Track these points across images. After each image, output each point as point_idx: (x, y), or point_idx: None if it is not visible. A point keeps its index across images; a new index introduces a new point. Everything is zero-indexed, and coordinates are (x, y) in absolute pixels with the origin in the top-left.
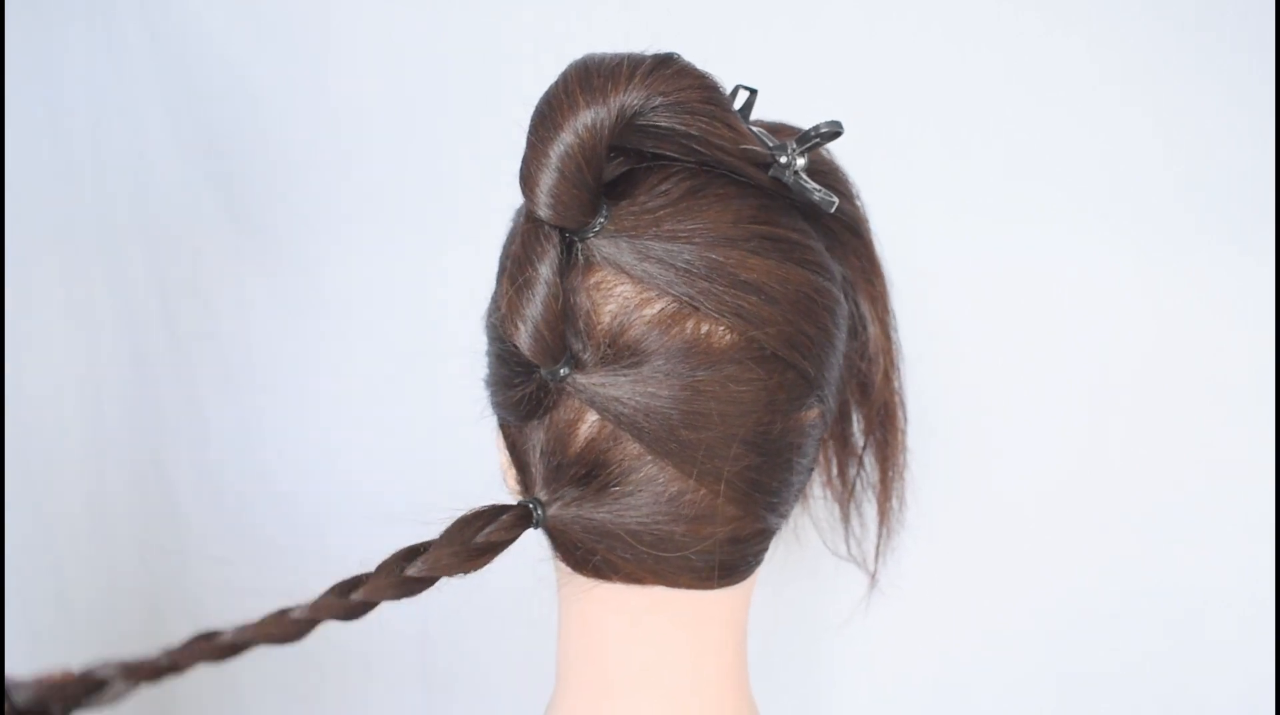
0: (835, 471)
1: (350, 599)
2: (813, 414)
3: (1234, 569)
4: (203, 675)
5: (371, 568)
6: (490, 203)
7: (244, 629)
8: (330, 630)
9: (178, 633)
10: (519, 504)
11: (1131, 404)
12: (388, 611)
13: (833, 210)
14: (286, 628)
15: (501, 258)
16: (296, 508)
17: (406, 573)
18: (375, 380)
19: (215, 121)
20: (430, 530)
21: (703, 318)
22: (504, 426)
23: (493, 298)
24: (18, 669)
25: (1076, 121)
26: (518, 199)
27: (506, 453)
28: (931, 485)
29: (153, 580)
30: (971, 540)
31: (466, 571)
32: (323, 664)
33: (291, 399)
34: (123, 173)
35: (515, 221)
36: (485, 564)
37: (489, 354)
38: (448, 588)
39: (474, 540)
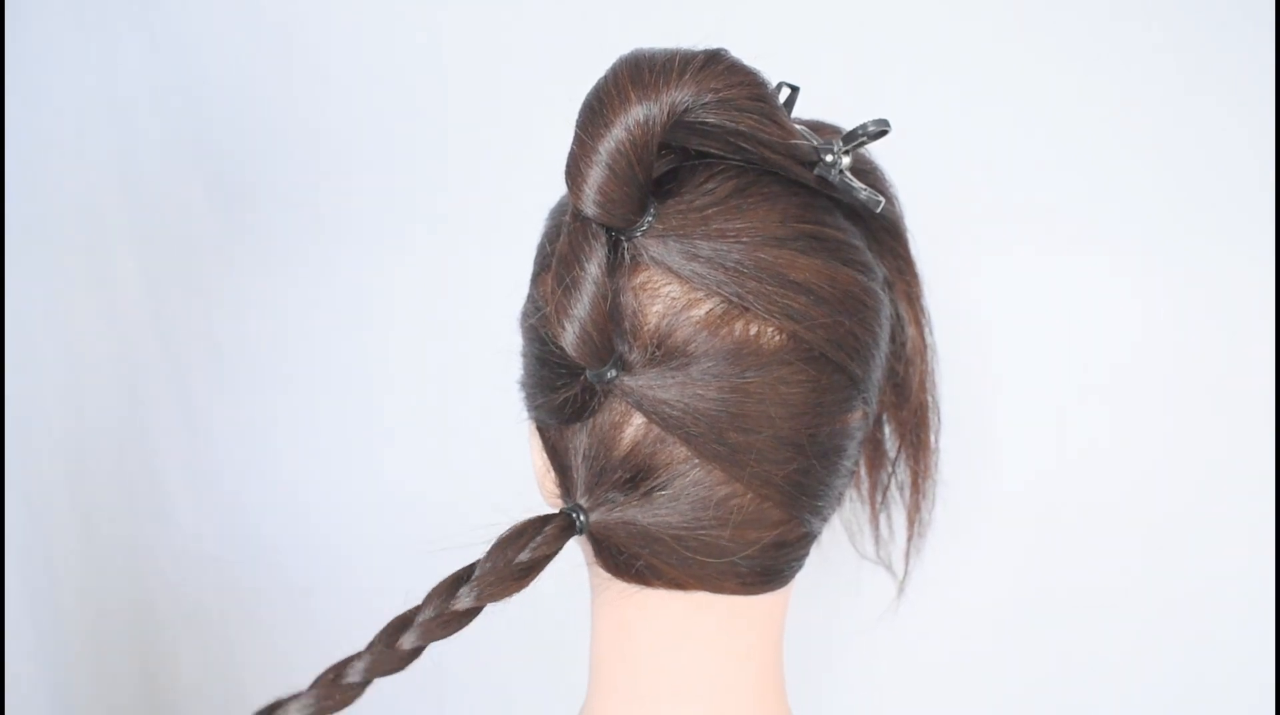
0: (864, 473)
1: (401, 648)
2: (857, 416)
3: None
4: (203, 678)
5: (373, 570)
6: (495, 202)
7: (292, 702)
8: (334, 634)
9: (171, 634)
10: (561, 513)
11: (1143, 404)
12: (395, 613)
13: (879, 210)
14: (336, 694)
15: (540, 257)
16: (292, 507)
17: (454, 607)
18: (372, 380)
19: (208, 117)
20: (434, 534)
21: (752, 318)
22: (542, 430)
23: (529, 298)
24: (17, 669)
25: (1080, 121)
26: (524, 198)
27: (544, 456)
28: (951, 488)
29: (145, 582)
30: (984, 541)
31: (513, 594)
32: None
33: (286, 398)
34: (109, 169)
35: (553, 220)
36: (530, 582)
37: (526, 355)
38: None
39: (518, 559)
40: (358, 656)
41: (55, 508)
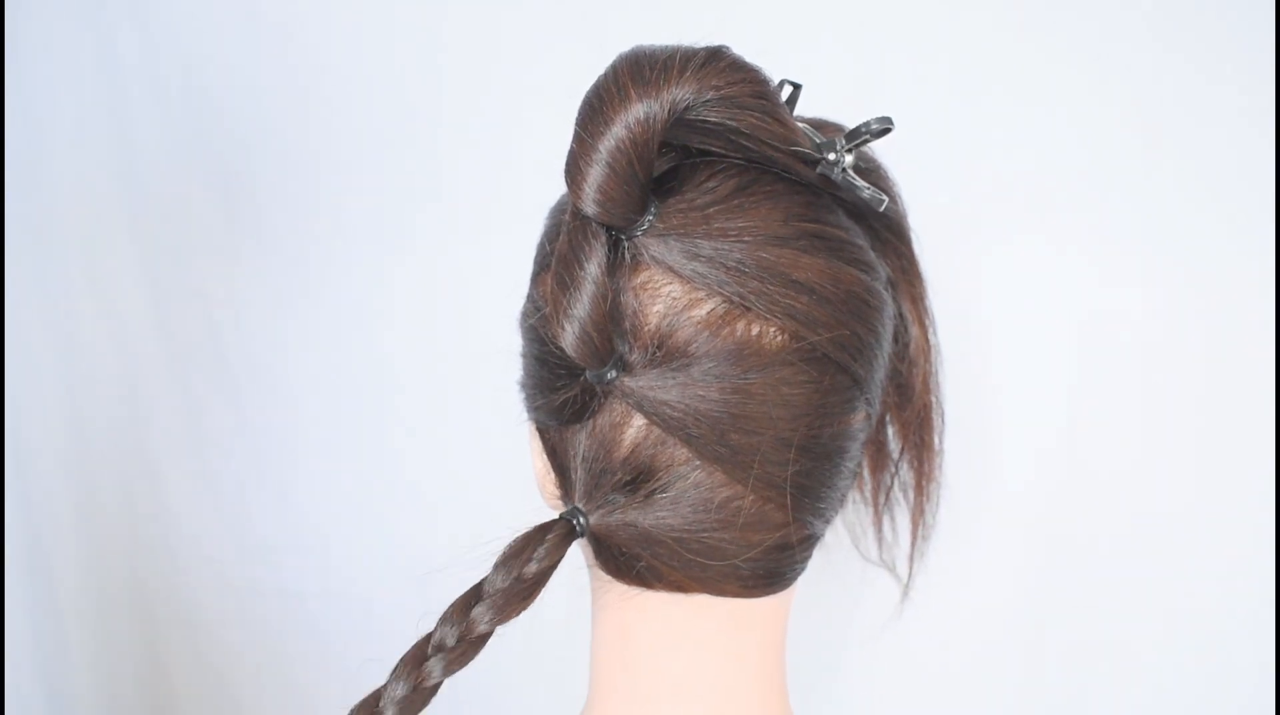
0: (867, 475)
1: (427, 685)
2: (860, 417)
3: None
4: (202, 680)
5: (371, 572)
6: (493, 202)
7: None
8: (331, 636)
9: (171, 635)
10: (561, 519)
11: (1143, 403)
12: (392, 616)
13: (882, 209)
14: None
15: (540, 256)
16: (291, 509)
17: (476, 632)
18: (372, 379)
19: (209, 118)
20: (433, 536)
21: (753, 318)
22: (542, 431)
23: (529, 298)
24: (16, 670)
25: (1081, 121)
26: (524, 197)
27: (544, 458)
28: (952, 488)
29: (146, 583)
30: (984, 542)
31: (525, 609)
32: (328, 672)
33: (286, 400)
34: (107, 166)
35: (552, 219)
36: (538, 595)
37: (526, 356)
38: (453, 590)
39: (525, 571)
40: (383, 701)
41: (55, 509)
